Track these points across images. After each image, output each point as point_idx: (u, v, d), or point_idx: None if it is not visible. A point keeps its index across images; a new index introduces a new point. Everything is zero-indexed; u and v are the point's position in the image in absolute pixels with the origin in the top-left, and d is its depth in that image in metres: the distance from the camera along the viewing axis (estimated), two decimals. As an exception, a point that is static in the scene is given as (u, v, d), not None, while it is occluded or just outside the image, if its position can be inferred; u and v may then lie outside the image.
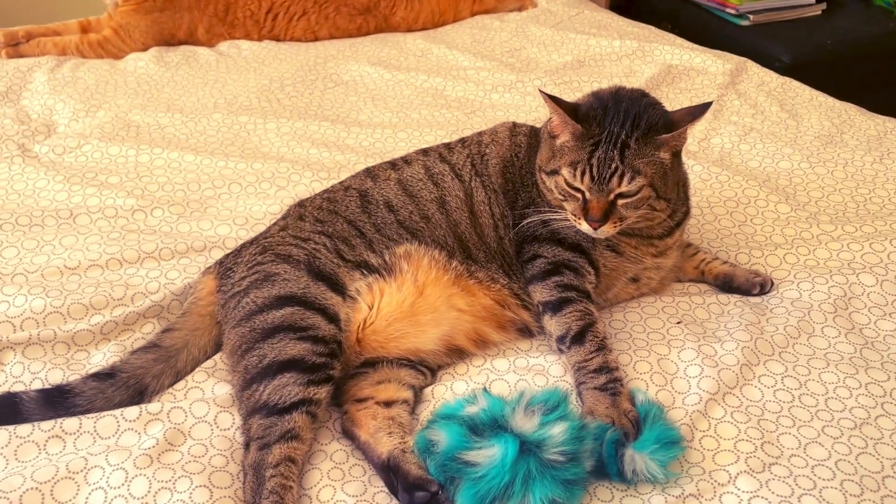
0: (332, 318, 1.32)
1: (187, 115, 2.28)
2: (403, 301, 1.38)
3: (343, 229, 1.47)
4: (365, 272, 1.41)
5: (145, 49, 2.73)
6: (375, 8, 2.93)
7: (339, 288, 1.37)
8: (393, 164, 1.60)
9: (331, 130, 2.24)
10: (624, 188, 1.35)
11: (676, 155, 1.44)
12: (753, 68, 2.60)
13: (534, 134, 1.59)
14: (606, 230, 1.37)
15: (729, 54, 2.70)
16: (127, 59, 2.65)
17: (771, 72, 2.59)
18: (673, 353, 1.40)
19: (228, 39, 2.83)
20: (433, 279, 1.41)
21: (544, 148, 1.46)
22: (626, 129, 1.34)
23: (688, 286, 1.64)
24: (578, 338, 1.36)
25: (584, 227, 1.38)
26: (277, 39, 2.86)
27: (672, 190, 1.43)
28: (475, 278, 1.44)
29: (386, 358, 1.37)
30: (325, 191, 1.60)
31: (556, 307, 1.41)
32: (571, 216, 1.40)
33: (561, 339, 1.38)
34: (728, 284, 1.61)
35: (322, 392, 1.25)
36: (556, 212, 1.44)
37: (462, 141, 1.63)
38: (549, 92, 1.40)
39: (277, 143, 2.17)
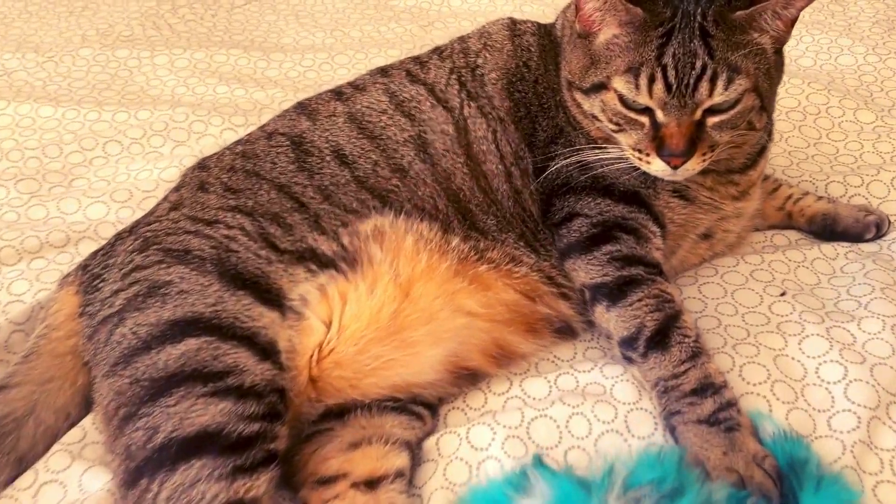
0: (266, 350, 0.84)
1: (44, 53, 1.76)
2: (380, 309, 0.89)
3: (271, 200, 0.95)
4: (313, 267, 0.91)
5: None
6: None
7: (271, 297, 0.88)
8: (338, 93, 1.08)
9: (244, 60, 1.75)
10: (718, 98, 0.86)
11: (779, 52, 0.96)
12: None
13: (545, 33, 1.09)
14: (692, 167, 0.90)
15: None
16: (-40, -13, 2.02)
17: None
18: (791, 344, 0.93)
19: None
20: (424, 270, 0.91)
21: (575, 54, 0.97)
22: (704, 6, 0.86)
23: (770, 236, 1.19)
24: (659, 340, 0.89)
25: (657, 166, 0.90)
26: (165, -49, 2.25)
27: (774, 98, 0.96)
28: (487, 261, 0.95)
29: (360, 402, 0.87)
30: (239, 142, 1.07)
31: (614, 293, 0.93)
32: (633, 153, 0.91)
33: (629, 343, 0.90)
34: (830, 228, 1.17)
35: (259, 483, 0.77)
36: (603, 147, 0.94)
37: (438, 51, 1.12)
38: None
39: (171, 81, 1.67)
